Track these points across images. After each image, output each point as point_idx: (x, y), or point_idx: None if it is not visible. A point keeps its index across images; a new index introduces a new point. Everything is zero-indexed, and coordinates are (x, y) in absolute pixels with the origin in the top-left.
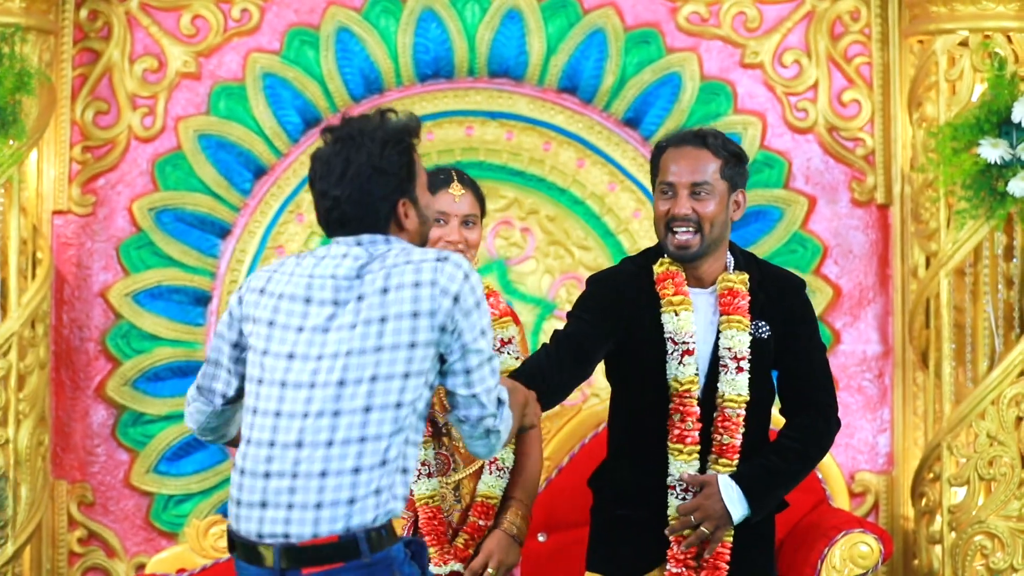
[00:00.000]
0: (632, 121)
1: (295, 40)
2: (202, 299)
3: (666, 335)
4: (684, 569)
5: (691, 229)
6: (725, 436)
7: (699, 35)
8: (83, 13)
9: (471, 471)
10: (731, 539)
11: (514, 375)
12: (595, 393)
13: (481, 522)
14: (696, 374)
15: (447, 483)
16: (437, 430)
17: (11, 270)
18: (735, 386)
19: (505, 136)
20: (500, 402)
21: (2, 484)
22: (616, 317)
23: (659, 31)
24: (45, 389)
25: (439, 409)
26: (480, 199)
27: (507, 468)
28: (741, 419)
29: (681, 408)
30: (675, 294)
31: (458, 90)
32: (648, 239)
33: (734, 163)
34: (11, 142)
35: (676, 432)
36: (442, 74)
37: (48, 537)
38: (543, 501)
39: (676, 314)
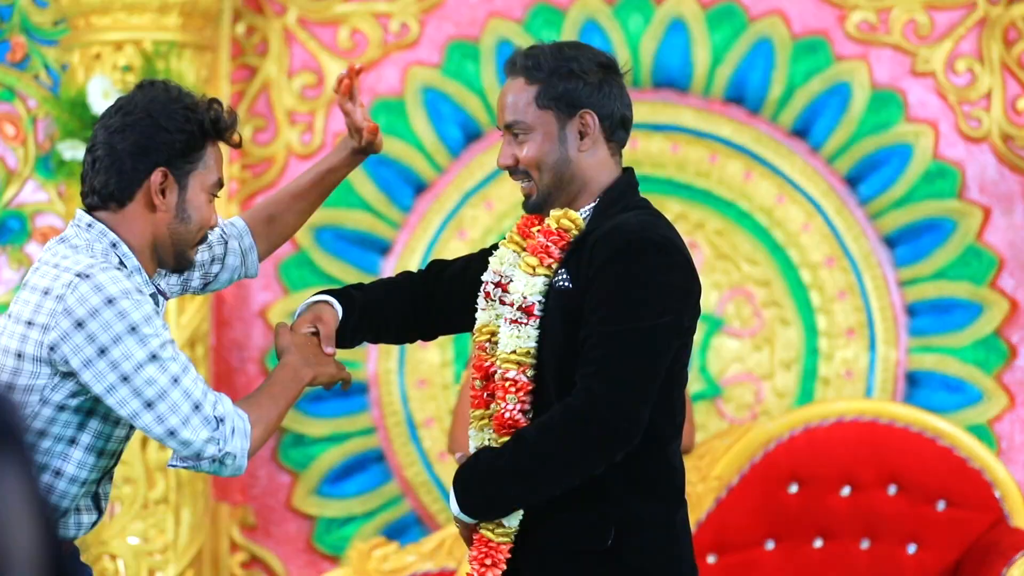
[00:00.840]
0: (800, 132)
1: (455, 53)
2: None
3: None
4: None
5: (523, 178)
6: (494, 402)
7: (869, 43)
8: (240, 29)
9: None
10: (503, 540)
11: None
12: (765, 411)
13: None
14: (491, 321)
15: None
16: None
17: None
18: (509, 339)
19: (670, 148)
20: (218, 421)
21: None
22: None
23: (827, 39)
24: None
25: None
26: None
27: None
28: (517, 386)
29: (474, 364)
30: (513, 234)
31: None
32: (819, 253)
33: (557, 82)
34: None
35: (471, 394)
36: None
37: (210, 561)
38: (713, 522)
39: (493, 252)
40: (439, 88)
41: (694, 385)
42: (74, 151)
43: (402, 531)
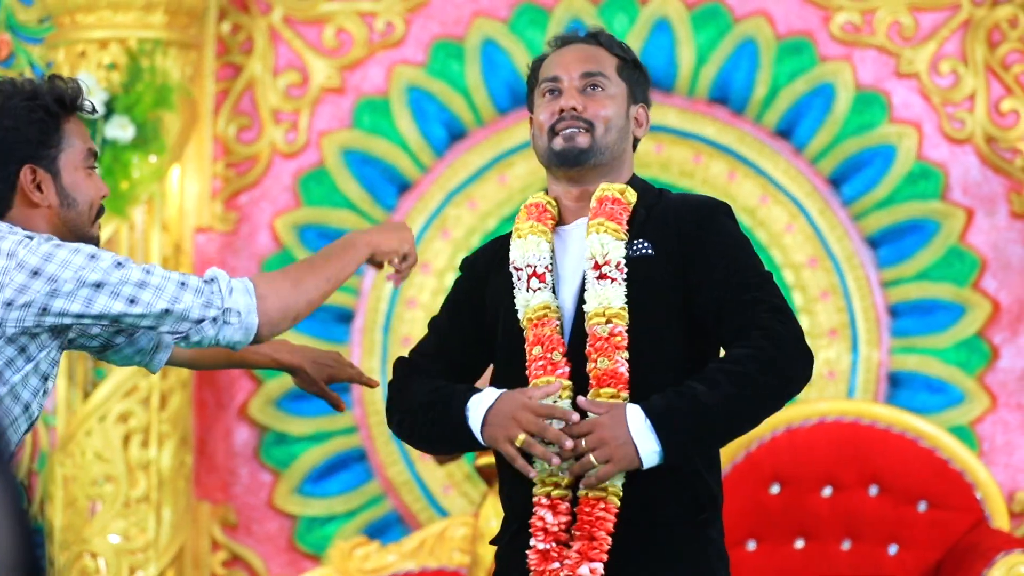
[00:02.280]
0: (784, 132)
1: (440, 53)
2: (345, 317)
3: (511, 266)
4: (553, 544)
5: (581, 127)
6: (602, 359)
7: (853, 44)
8: (225, 27)
9: None
10: (617, 500)
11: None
12: None
13: None
14: (552, 300)
15: None
16: None
17: None
18: (602, 297)
19: (655, 149)
20: (208, 283)
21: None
22: (473, 301)
23: (812, 40)
24: (187, 409)
25: None
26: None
27: None
28: (620, 340)
29: (541, 338)
30: (526, 221)
31: None
32: (802, 253)
33: (632, 68)
34: (152, 158)
35: (539, 365)
36: None
37: (191, 559)
38: None
39: (522, 238)
40: (424, 87)
41: None
42: None
43: (384, 530)
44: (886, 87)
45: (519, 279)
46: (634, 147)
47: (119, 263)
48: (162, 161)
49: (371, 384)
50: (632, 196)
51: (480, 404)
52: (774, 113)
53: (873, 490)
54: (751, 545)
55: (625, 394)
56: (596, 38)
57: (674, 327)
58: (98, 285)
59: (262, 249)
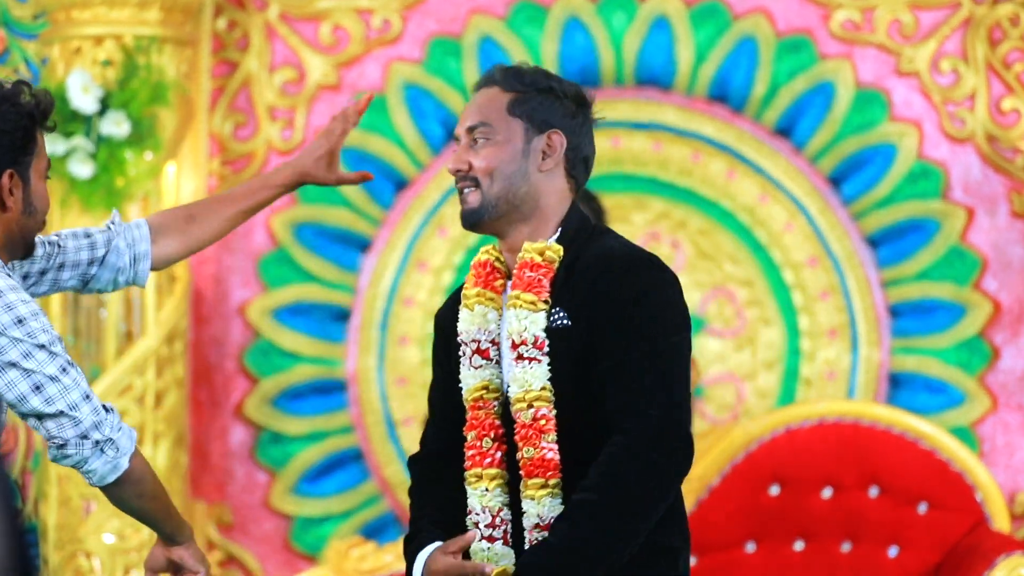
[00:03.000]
0: (784, 131)
1: (437, 50)
2: (342, 315)
3: (459, 339)
4: None
5: (469, 185)
6: (527, 448)
7: (853, 42)
8: (221, 24)
9: None
10: None
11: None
12: (747, 411)
13: None
14: (493, 378)
15: None
16: None
17: (148, 286)
18: (524, 380)
19: (653, 147)
20: (107, 411)
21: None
22: (449, 363)
23: (811, 38)
24: (183, 408)
25: None
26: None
27: None
28: (546, 424)
29: (476, 422)
30: (472, 287)
31: (604, 100)
32: (802, 253)
33: (534, 95)
34: (148, 155)
35: (470, 454)
36: (588, 83)
37: None
38: (694, 522)
39: (469, 309)
40: (421, 84)
41: None
42: (53, 145)
43: (380, 530)
44: (886, 85)
45: (463, 354)
46: (577, 187)
47: (42, 345)
48: (158, 158)
49: (367, 178)
50: (555, 253)
51: (419, 565)
52: (773, 111)
53: (873, 491)
54: (750, 546)
55: (555, 480)
56: (492, 77)
57: (597, 401)
58: (13, 364)
59: (258, 247)
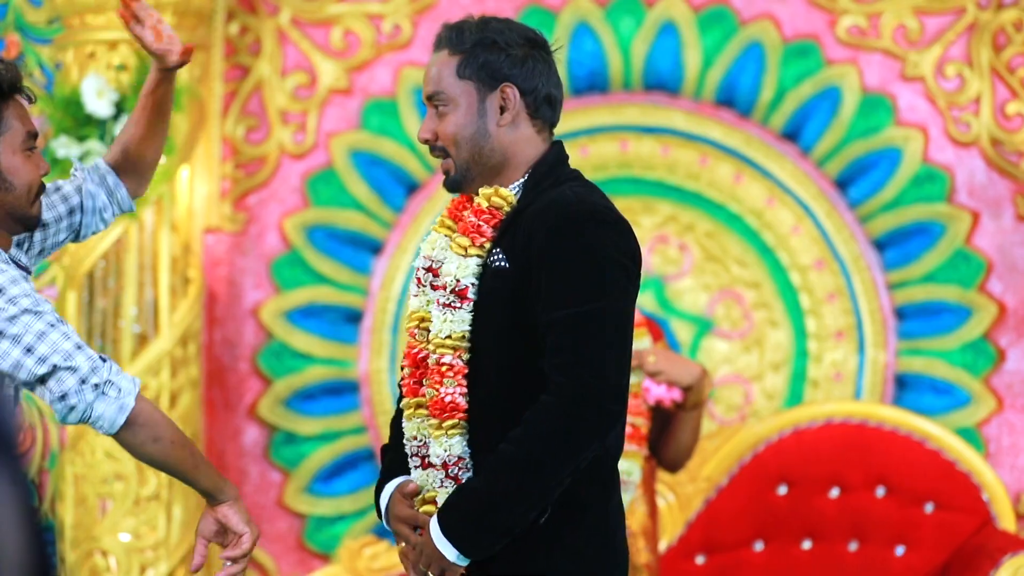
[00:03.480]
0: (791, 135)
1: None
2: (354, 317)
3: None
4: None
5: (441, 155)
6: (429, 388)
7: (859, 47)
8: (233, 28)
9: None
10: None
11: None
12: (754, 412)
13: None
14: (421, 306)
15: None
16: None
17: (162, 288)
18: (444, 324)
19: (660, 151)
20: (103, 360)
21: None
22: None
23: (818, 43)
24: (197, 409)
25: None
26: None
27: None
28: (448, 370)
29: (407, 350)
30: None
31: (612, 104)
32: (808, 255)
33: (480, 53)
34: (161, 159)
35: (402, 382)
36: (596, 88)
37: None
38: (702, 522)
39: (429, 233)
40: None
41: None
42: (68, 149)
43: None
44: (892, 90)
45: (412, 279)
46: (548, 125)
47: (26, 309)
48: (171, 162)
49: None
50: (503, 198)
51: (383, 498)
52: (780, 116)
53: (880, 491)
54: (758, 546)
55: (451, 422)
56: (440, 40)
57: (526, 348)
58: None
59: (271, 249)
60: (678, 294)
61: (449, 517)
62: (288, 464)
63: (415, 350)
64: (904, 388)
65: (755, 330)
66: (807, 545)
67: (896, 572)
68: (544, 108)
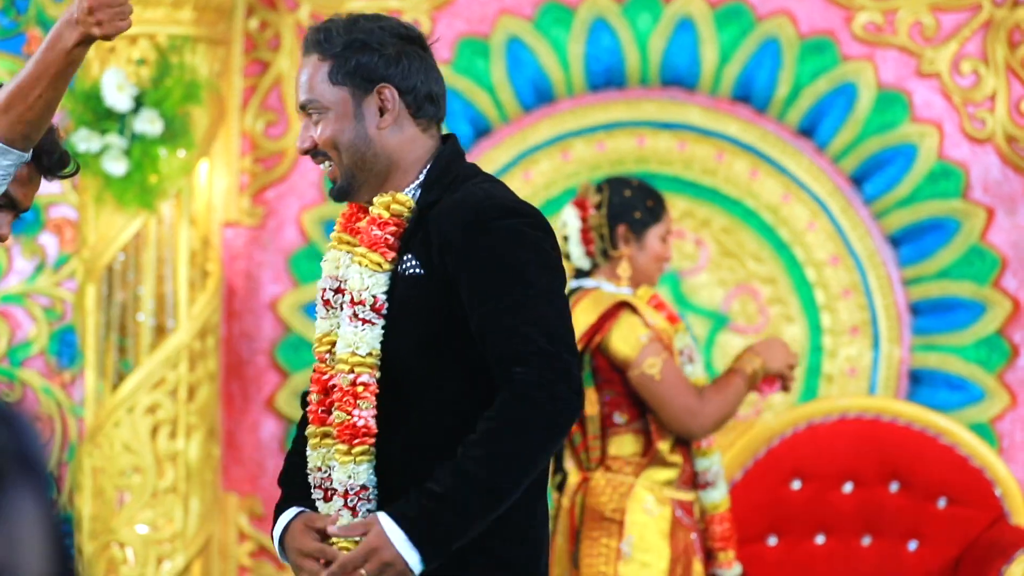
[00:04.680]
0: (806, 131)
1: (466, 50)
2: None
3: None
4: None
5: (324, 160)
6: (338, 412)
7: (875, 44)
8: (253, 23)
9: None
10: None
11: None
12: (769, 407)
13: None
14: (334, 328)
15: None
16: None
17: (181, 282)
18: (353, 341)
19: (677, 146)
20: None
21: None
22: None
23: (834, 39)
24: (215, 402)
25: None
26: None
27: None
28: (364, 390)
29: (315, 375)
30: (335, 231)
31: (630, 100)
32: (824, 251)
33: (350, 55)
34: (181, 153)
35: (309, 409)
36: (613, 84)
37: (218, 550)
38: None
39: (327, 253)
40: (449, 85)
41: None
42: (88, 143)
43: None
44: (907, 86)
45: (316, 301)
46: (435, 123)
47: None
48: (190, 156)
49: None
50: (402, 204)
51: (279, 528)
52: (796, 112)
53: (894, 486)
54: (772, 540)
55: (360, 448)
56: (308, 43)
57: (446, 360)
58: None
59: (289, 243)
60: (694, 289)
61: (420, 526)
62: None
63: (325, 376)
64: (918, 384)
65: (770, 325)
66: (820, 540)
67: (909, 567)
68: (427, 106)
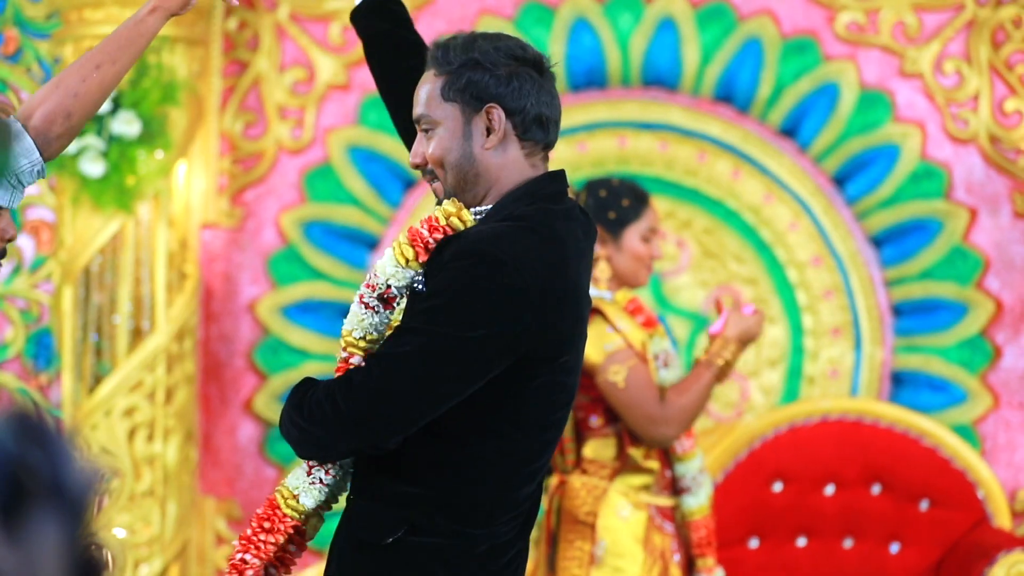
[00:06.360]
0: (788, 131)
1: None
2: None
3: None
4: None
5: (431, 178)
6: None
7: (857, 43)
8: (232, 24)
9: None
10: (291, 514)
11: None
12: (750, 409)
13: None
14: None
15: None
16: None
17: (159, 283)
18: (354, 322)
19: (659, 147)
20: None
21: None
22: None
23: (816, 39)
24: (193, 404)
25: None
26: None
27: None
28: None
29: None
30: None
31: (611, 100)
32: (805, 252)
33: (463, 73)
34: (158, 154)
35: None
36: (595, 84)
37: (195, 554)
38: None
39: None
40: None
41: None
42: None
43: None
44: (890, 86)
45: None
46: (541, 148)
47: None
48: (168, 157)
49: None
50: (462, 222)
51: None
52: (778, 112)
53: (875, 488)
54: (753, 543)
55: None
56: (428, 58)
57: None
58: None
59: (268, 245)
60: (675, 290)
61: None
62: (283, 460)
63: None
64: (900, 385)
65: None
66: (802, 542)
67: (891, 569)
68: (534, 129)
